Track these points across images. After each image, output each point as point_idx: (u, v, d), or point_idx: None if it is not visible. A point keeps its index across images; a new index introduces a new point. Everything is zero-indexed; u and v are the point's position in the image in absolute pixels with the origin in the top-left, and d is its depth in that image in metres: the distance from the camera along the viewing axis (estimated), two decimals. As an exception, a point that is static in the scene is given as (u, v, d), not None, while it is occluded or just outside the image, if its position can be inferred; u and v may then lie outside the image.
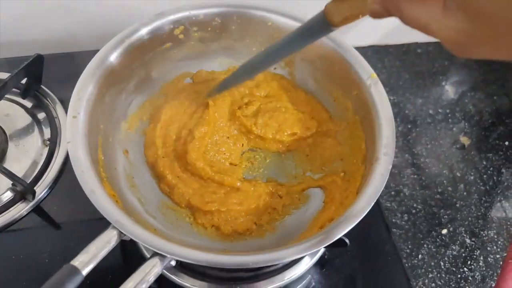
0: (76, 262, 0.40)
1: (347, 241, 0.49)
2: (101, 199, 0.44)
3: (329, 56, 0.58)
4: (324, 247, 0.51)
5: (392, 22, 0.81)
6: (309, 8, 0.72)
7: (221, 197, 0.55)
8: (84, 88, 0.51)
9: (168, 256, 0.41)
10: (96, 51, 0.55)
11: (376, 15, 0.31)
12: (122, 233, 0.42)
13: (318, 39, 0.44)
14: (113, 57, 0.54)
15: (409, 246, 0.64)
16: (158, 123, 0.59)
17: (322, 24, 0.39)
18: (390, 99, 0.79)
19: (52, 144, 0.64)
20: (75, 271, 0.39)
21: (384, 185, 0.46)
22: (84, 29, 0.76)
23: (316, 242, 0.43)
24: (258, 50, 0.64)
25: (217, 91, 0.59)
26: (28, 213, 0.58)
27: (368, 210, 0.44)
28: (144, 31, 0.57)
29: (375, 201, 0.45)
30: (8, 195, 0.59)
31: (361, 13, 0.33)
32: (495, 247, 0.65)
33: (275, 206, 0.56)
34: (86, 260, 0.40)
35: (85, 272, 0.40)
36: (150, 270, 0.41)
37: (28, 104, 0.68)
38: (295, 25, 0.60)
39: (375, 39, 0.86)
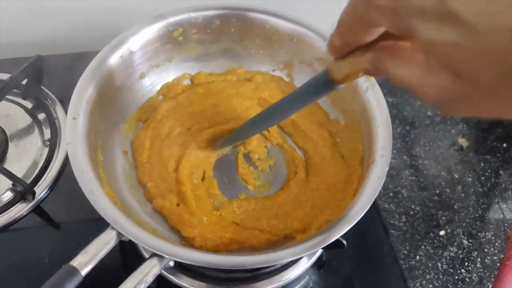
0: (75, 262, 0.40)
1: (344, 242, 0.49)
2: (100, 200, 0.44)
3: (327, 60, 0.59)
4: (322, 249, 0.51)
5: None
6: (307, 10, 0.73)
7: (201, 221, 0.52)
8: (84, 90, 0.51)
9: (166, 256, 0.42)
10: (97, 52, 0.55)
11: (369, 73, 0.33)
12: (121, 233, 0.43)
13: (323, 96, 0.44)
14: (113, 59, 0.55)
15: (407, 247, 0.64)
16: (152, 122, 0.59)
17: (326, 82, 0.39)
18: (388, 101, 0.80)
19: (52, 144, 0.64)
20: (74, 271, 0.40)
21: (380, 187, 0.47)
22: (85, 31, 0.76)
23: (314, 244, 0.43)
24: (256, 52, 0.65)
25: (224, 145, 0.59)
26: (28, 213, 0.59)
27: (364, 212, 0.45)
28: (144, 33, 0.58)
29: (372, 203, 0.45)
30: (8, 195, 0.59)
31: (361, 70, 0.34)
32: (492, 249, 0.65)
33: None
34: (85, 261, 0.40)
35: (84, 272, 0.40)
36: (149, 270, 0.42)
37: (29, 104, 0.68)
38: (293, 27, 0.61)
39: None
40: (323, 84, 0.40)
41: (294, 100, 0.47)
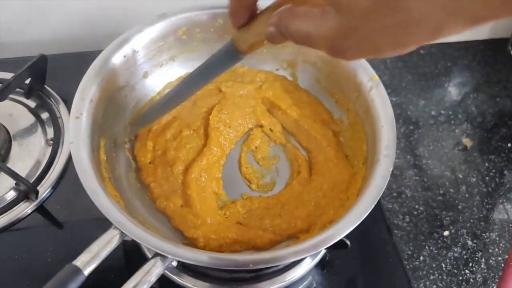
0: (78, 262, 0.40)
1: (348, 242, 0.49)
2: (103, 200, 0.44)
3: (330, 58, 0.58)
4: (325, 249, 0.51)
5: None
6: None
7: (205, 222, 0.51)
8: (87, 89, 0.51)
9: (169, 256, 0.42)
10: (100, 51, 0.55)
11: (272, 39, 0.35)
12: (123, 233, 0.43)
13: (229, 67, 0.46)
14: (116, 59, 0.55)
15: (411, 248, 0.64)
16: (155, 124, 0.59)
17: (231, 53, 0.42)
18: (392, 100, 0.79)
19: (55, 144, 0.64)
20: (77, 271, 0.40)
21: (384, 187, 0.46)
22: (88, 30, 0.76)
23: (317, 244, 0.43)
24: (260, 51, 0.63)
25: (141, 125, 0.58)
26: (31, 212, 0.59)
27: (368, 212, 0.45)
28: (147, 32, 0.58)
29: (375, 203, 0.45)
30: (11, 195, 0.59)
31: (265, 37, 0.36)
32: (497, 249, 0.65)
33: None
34: (88, 260, 0.41)
35: (87, 272, 0.40)
36: (152, 270, 0.42)
37: (32, 104, 0.68)
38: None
39: None
40: (229, 55, 0.42)
41: (201, 74, 0.48)
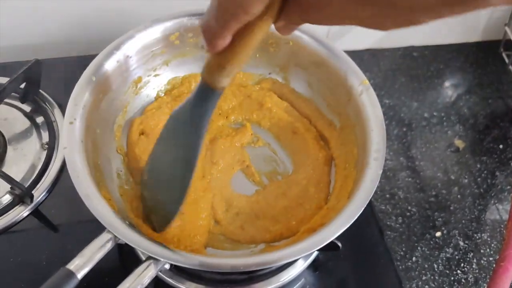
0: (72, 265, 0.41)
1: (339, 244, 0.50)
2: (96, 203, 0.45)
3: (322, 63, 0.59)
4: (317, 250, 0.52)
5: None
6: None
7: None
8: (81, 95, 0.52)
9: (162, 260, 0.42)
10: (94, 55, 0.55)
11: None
12: (117, 237, 0.43)
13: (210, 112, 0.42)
14: (109, 64, 0.55)
15: (403, 249, 0.64)
16: (143, 129, 0.60)
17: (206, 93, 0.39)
18: (385, 103, 0.80)
19: (50, 148, 0.64)
20: (71, 274, 0.40)
21: (374, 190, 0.47)
22: (82, 34, 0.76)
23: (308, 246, 0.44)
24: (252, 55, 0.64)
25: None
26: (26, 216, 0.59)
27: (358, 215, 0.45)
28: (139, 38, 0.58)
29: (365, 205, 0.46)
30: (6, 198, 0.59)
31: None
32: (488, 250, 0.65)
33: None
34: (81, 264, 0.41)
35: (80, 275, 0.41)
36: (145, 273, 0.42)
37: (27, 108, 0.68)
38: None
39: (371, 42, 0.87)
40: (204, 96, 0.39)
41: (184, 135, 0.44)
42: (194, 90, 0.41)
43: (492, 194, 0.71)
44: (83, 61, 0.55)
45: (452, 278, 0.62)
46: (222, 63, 0.35)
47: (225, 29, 0.31)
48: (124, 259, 0.57)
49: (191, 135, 0.44)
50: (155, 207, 0.51)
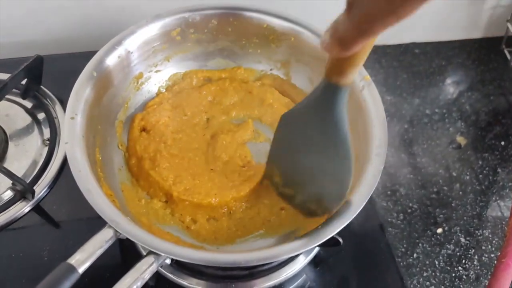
0: (73, 260, 0.41)
1: (340, 240, 0.50)
2: (97, 199, 0.45)
3: (324, 58, 0.59)
4: (318, 246, 0.52)
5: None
6: (304, 9, 0.73)
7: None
8: (82, 90, 0.52)
9: (163, 254, 0.42)
10: (95, 51, 0.55)
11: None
12: (118, 232, 0.43)
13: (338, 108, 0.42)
14: (110, 60, 0.55)
15: (404, 245, 0.64)
16: (145, 124, 0.60)
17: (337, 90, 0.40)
18: (387, 99, 0.80)
19: (52, 144, 0.64)
20: (72, 269, 0.40)
21: (375, 186, 0.47)
22: (83, 30, 0.76)
23: (308, 241, 0.44)
24: (254, 51, 0.65)
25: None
26: (28, 212, 0.59)
27: (359, 210, 0.45)
28: (141, 33, 0.58)
29: (366, 201, 0.46)
30: (8, 194, 0.59)
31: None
32: (489, 246, 0.65)
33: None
34: (83, 259, 0.41)
35: (81, 270, 0.41)
36: (146, 268, 0.42)
37: (28, 104, 0.69)
38: (290, 26, 0.62)
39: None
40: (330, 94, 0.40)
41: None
42: (316, 93, 0.42)
43: (494, 191, 0.71)
44: (84, 57, 0.55)
45: (453, 274, 0.62)
46: (351, 63, 0.37)
47: (367, 35, 0.31)
48: (125, 254, 0.57)
49: (335, 133, 0.44)
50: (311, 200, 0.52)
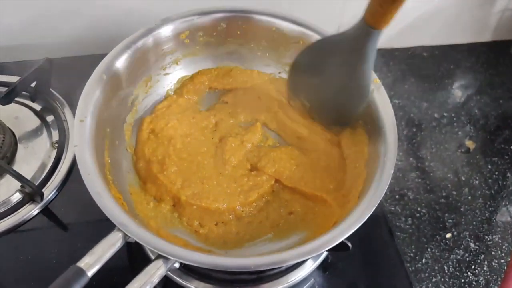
0: (82, 263, 0.41)
1: (349, 244, 0.49)
2: (106, 202, 0.45)
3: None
4: (327, 251, 0.51)
5: (397, 25, 0.80)
6: (312, 12, 0.73)
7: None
8: (91, 93, 0.52)
9: (172, 258, 0.42)
10: (104, 55, 0.56)
11: None
12: (127, 235, 0.43)
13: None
14: (119, 63, 0.55)
15: (413, 250, 0.64)
16: (153, 127, 0.60)
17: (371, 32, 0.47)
18: (395, 103, 0.80)
19: (61, 146, 0.65)
20: (81, 272, 0.40)
21: (385, 190, 0.47)
22: (92, 33, 0.77)
23: (318, 246, 0.44)
24: (262, 54, 0.65)
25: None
26: (37, 214, 0.59)
27: (369, 215, 0.45)
28: (150, 36, 0.58)
29: (376, 205, 0.46)
30: (17, 197, 0.60)
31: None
32: (499, 252, 0.65)
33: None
34: (92, 262, 0.41)
35: (90, 273, 0.41)
36: (154, 272, 0.42)
37: (37, 107, 0.69)
38: (299, 29, 0.62)
39: (381, 42, 0.85)
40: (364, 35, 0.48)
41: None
42: (351, 31, 0.50)
43: (503, 196, 0.70)
44: (93, 60, 0.55)
45: (463, 280, 0.62)
46: (387, 11, 0.44)
47: None
48: (133, 258, 0.57)
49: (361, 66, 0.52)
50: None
